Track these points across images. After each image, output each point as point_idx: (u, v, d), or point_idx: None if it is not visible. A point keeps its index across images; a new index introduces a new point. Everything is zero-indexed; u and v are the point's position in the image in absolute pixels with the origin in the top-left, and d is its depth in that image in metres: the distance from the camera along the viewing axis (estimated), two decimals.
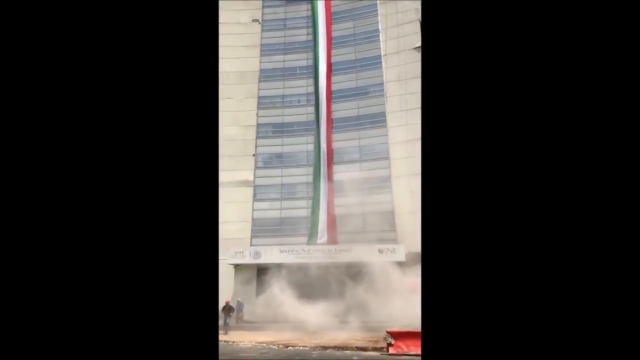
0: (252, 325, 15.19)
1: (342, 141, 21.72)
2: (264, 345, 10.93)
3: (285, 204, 21.45)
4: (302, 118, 22.82)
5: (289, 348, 10.39)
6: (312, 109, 22.63)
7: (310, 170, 21.49)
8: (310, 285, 15.69)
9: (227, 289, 18.09)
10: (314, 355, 9.51)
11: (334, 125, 21.93)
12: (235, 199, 21.38)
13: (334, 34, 23.76)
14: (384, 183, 19.15)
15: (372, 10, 23.26)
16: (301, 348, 10.35)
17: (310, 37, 24.08)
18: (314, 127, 22.15)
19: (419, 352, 7.70)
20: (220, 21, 25.61)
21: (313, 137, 22.01)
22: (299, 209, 21.05)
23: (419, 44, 19.59)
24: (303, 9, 24.99)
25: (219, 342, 11.77)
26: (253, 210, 21.33)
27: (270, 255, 17.98)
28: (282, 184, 21.82)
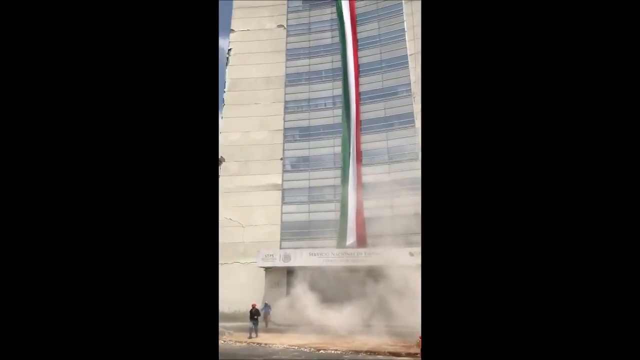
0: (280, 328, 15.29)
1: (371, 142, 21.55)
2: (296, 347, 10.97)
3: (313, 207, 21.52)
4: (329, 121, 22.85)
5: (320, 351, 10.37)
6: (338, 112, 22.61)
7: (337, 172, 21.46)
8: (338, 288, 15.62)
9: (258, 291, 18.36)
10: (346, 359, 9.43)
11: (362, 126, 21.80)
12: (265, 203, 21.69)
13: (359, 36, 23.67)
14: (414, 184, 18.78)
15: (397, 10, 23.00)
16: (332, 352, 10.30)
17: (335, 39, 24.12)
18: (341, 129, 22.11)
19: None
20: (246, 28, 26.21)
21: (340, 139, 21.97)
22: (327, 212, 21.05)
23: None
24: (327, 13, 25.09)
25: (251, 345, 11.98)
26: (282, 213, 21.54)
27: (300, 258, 18.06)
28: (309, 187, 21.91)
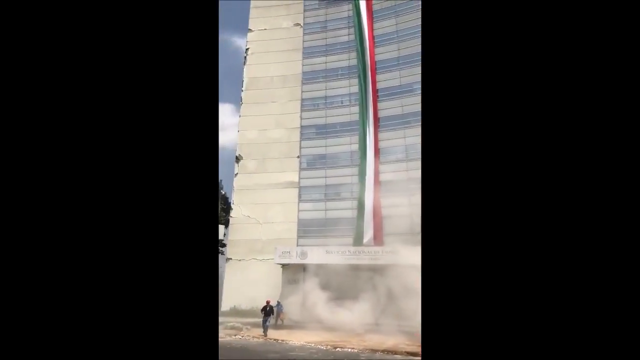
0: (296, 324, 15.38)
1: (388, 140, 21.38)
2: (312, 344, 11.03)
3: (330, 204, 21.53)
4: (345, 119, 22.79)
5: (337, 349, 10.40)
6: (355, 109, 22.52)
7: (354, 170, 21.39)
8: (354, 286, 15.59)
9: (275, 288, 18.54)
10: (362, 358, 9.43)
11: (379, 124, 21.65)
12: (282, 200, 21.85)
13: (376, 33, 23.48)
14: None
15: (414, 6, 22.68)
16: (349, 350, 10.31)
17: (351, 37, 24.00)
18: (357, 127, 22.01)
19: None
20: (263, 28, 26.36)
21: (356, 137, 21.88)
22: (344, 210, 21.03)
23: None
24: (343, 10, 24.98)
25: (267, 341, 12.10)
26: (299, 210, 21.65)
27: (317, 255, 18.12)
28: (326, 185, 21.93)
